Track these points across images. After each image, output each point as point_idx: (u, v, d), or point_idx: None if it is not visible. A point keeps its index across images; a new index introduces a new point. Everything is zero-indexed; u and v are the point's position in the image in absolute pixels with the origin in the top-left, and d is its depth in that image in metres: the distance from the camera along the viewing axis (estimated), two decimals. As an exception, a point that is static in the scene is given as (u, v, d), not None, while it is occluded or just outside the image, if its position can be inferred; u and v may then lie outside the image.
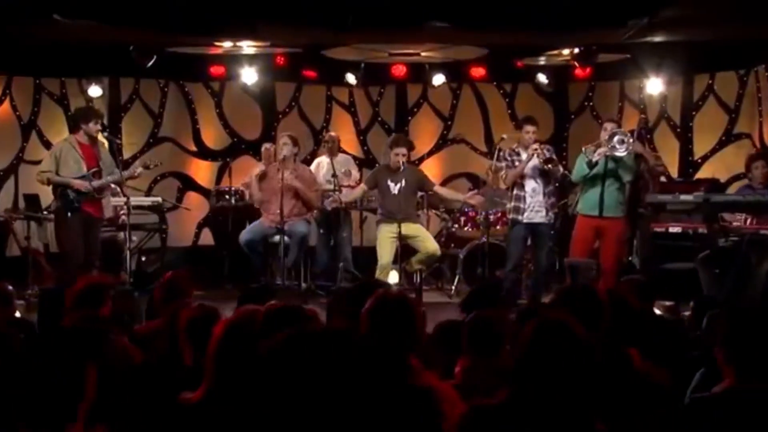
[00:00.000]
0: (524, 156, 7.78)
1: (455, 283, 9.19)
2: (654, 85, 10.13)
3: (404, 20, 6.08)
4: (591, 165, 7.56)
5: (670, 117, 10.62)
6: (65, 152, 7.71)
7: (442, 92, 11.12)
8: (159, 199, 9.17)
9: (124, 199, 7.81)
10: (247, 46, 9.18)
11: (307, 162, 10.38)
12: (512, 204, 7.83)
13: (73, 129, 7.85)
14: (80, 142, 7.77)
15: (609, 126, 7.72)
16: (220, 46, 9.08)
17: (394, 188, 8.02)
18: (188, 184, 10.94)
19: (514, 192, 7.81)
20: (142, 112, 10.63)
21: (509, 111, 11.20)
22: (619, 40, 7.38)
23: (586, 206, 7.79)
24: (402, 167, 8.10)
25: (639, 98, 10.74)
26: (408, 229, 7.98)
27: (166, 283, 4.84)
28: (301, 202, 8.34)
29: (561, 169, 7.91)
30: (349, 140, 11.18)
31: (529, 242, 8.01)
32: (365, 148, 11.18)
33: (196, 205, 10.81)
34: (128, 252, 7.86)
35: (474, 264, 9.06)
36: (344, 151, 10.39)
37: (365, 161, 10.87)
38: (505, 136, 7.98)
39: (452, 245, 9.59)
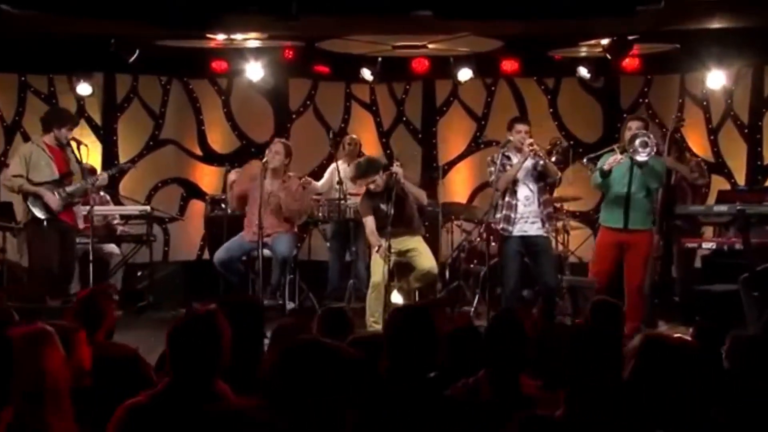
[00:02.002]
0: (515, 160, 7.66)
1: (474, 304, 9.10)
2: (715, 79, 9.87)
3: (365, 7, 6.06)
4: (603, 174, 7.41)
5: (737, 115, 10.34)
6: (35, 155, 7.93)
7: (474, 89, 11.07)
8: (147, 208, 9.32)
9: (87, 207, 7.94)
10: (242, 39, 9.28)
11: (324, 166, 10.45)
12: (503, 213, 7.70)
13: (44, 131, 8.03)
14: (49, 144, 7.96)
15: (633, 125, 7.55)
16: (213, 39, 9.19)
17: (389, 209, 7.97)
18: (192, 191, 11.12)
19: (506, 199, 7.68)
20: (140, 112, 10.86)
21: (551, 109, 11.07)
22: (631, 29, 7.23)
23: (609, 217, 7.63)
24: (382, 185, 8.03)
25: (702, 93, 10.49)
26: (404, 243, 7.94)
27: (81, 302, 4.88)
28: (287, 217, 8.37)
29: (559, 174, 7.75)
30: (370, 142, 11.21)
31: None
32: (388, 151, 11.16)
33: (202, 215, 10.92)
34: (92, 266, 7.98)
35: (497, 282, 8.99)
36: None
37: (388, 166, 10.85)
38: (512, 138, 7.83)
39: (475, 261, 9.50)
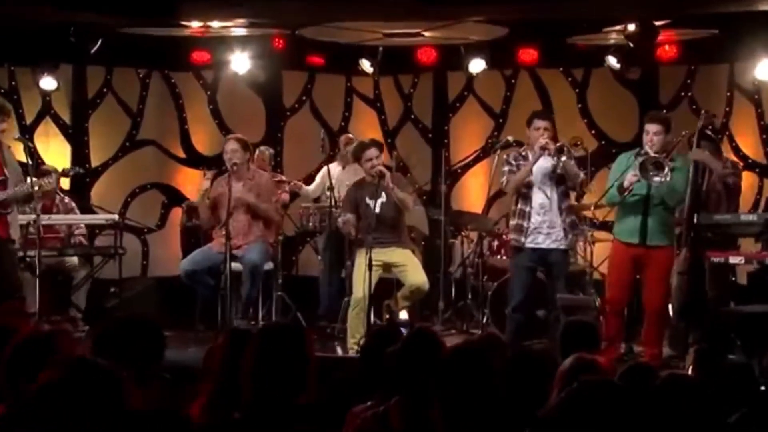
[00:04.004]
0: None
1: (482, 326, 9.09)
2: (766, 69, 9.75)
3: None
4: (621, 190, 7.38)
5: (793, 111, 10.24)
6: None
7: (491, 82, 11.10)
8: (115, 216, 9.41)
9: (33, 216, 8.00)
10: (220, 26, 9.37)
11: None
12: (514, 222, 7.68)
13: None
14: None
15: (651, 128, 7.48)
16: (188, 26, 9.29)
17: (375, 205, 8.02)
18: (174, 198, 11.21)
19: (518, 206, 7.66)
20: (115, 109, 10.96)
21: (580, 105, 11.02)
22: (628, 11, 7.19)
23: (623, 230, 7.58)
24: (383, 166, 8.11)
25: (753, 86, 10.38)
26: (390, 255, 7.97)
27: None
28: (261, 221, 8.42)
29: (581, 174, 7.70)
30: (374, 142, 11.21)
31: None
32: (394, 152, 11.15)
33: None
34: (37, 280, 8.05)
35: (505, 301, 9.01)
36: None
37: (393, 170, 10.85)
38: (510, 138, 7.82)
39: (485, 277, 9.50)
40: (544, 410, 3.21)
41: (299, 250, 10.88)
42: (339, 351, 8.36)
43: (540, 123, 7.67)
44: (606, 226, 10.14)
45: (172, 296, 10.21)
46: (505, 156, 7.90)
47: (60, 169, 8.90)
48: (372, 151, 8.02)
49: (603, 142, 10.81)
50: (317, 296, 9.76)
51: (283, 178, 9.83)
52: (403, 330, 5.25)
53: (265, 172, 8.77)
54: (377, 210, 7.97)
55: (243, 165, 8.40)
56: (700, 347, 5.39)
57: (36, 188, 7.72)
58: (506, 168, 7.71)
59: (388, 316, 8.15)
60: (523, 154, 7.74)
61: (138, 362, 3.56)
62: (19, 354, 2.90)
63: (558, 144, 7.56)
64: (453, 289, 9.72)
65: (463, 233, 9.91)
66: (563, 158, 7.47)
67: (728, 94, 10.60)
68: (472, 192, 11.26)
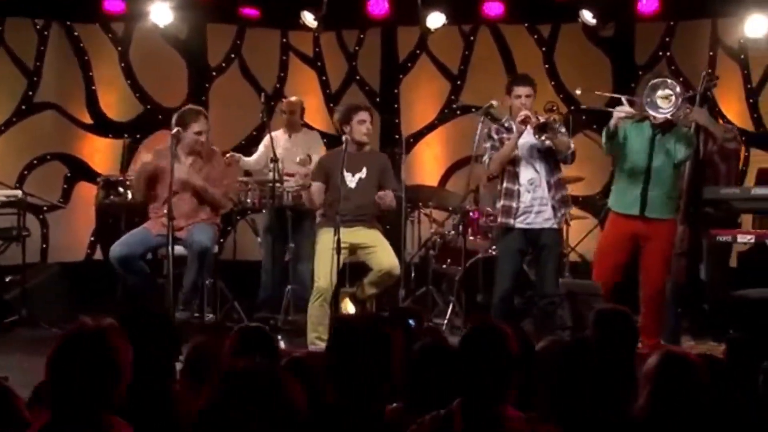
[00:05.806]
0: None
1: (447, 315, 9.16)
2: (755, 26, 9.89)
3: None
4: (609, 134, 7.44)
5: (786, 74, 10.47)
6: None
7: (448, 39, 11.12)
8: (18, 192, 9.23)
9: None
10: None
11: (254, 139, 10.40)
12: (501, 203, 7.73)
13: None
14: None
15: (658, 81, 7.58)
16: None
17: (352, 180, 7.98)
18: (79, 170, 11.05)
19: (504, 185, 7.71)
20: (8, 67, 10.74)
21: (547, 65, 11.11)
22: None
23: (620, 201, 7.68)
24: (366, 147, 8.09)
25: (739, 44, 10.57)
26: (357, 236, 7.92)
27: None
28: (208, 205, 8.33)
29: (572, 144, 7.77)
30: (314, 107, 11.19)
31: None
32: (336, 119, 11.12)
33: (92, 202, 10.80)
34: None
35: (476, 287, 9.14)
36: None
37: (336, 139, 10.79)
38: (494, 102, 7.83)
39: (448, 261, 9.56)
40: (638, 410, 3.27)
41: (232, 232, 10.76)
42: (283, 344, 8.28)
43: (521, 90, 7.74)
44: (577, 202, 10.32)
45: (80, 285, 10.08)
46: (486, 130, 7.90)
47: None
48: (365, 114, 8.03)
49: (572, 108, 10.90)
50: (257, 284, 9.70)
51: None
52: (411, 322, 5.28)
53: (218, 151, 8.63)
54: (353, 185, 7.94)
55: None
56: (733, 337, 5.48)
57: None
58: (488, 144, 7.74)
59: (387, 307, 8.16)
60: (506, 125, 7.77)
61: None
62: (66, 354, 2.84)
63: (542, 121, 7.56)
64: (413, 275, 9.74)
65: (422, 211, 9.92)
66: (544, 134, 7.53)
67: (711, 53, 10.77)
68: (425, 163, 11.29)
